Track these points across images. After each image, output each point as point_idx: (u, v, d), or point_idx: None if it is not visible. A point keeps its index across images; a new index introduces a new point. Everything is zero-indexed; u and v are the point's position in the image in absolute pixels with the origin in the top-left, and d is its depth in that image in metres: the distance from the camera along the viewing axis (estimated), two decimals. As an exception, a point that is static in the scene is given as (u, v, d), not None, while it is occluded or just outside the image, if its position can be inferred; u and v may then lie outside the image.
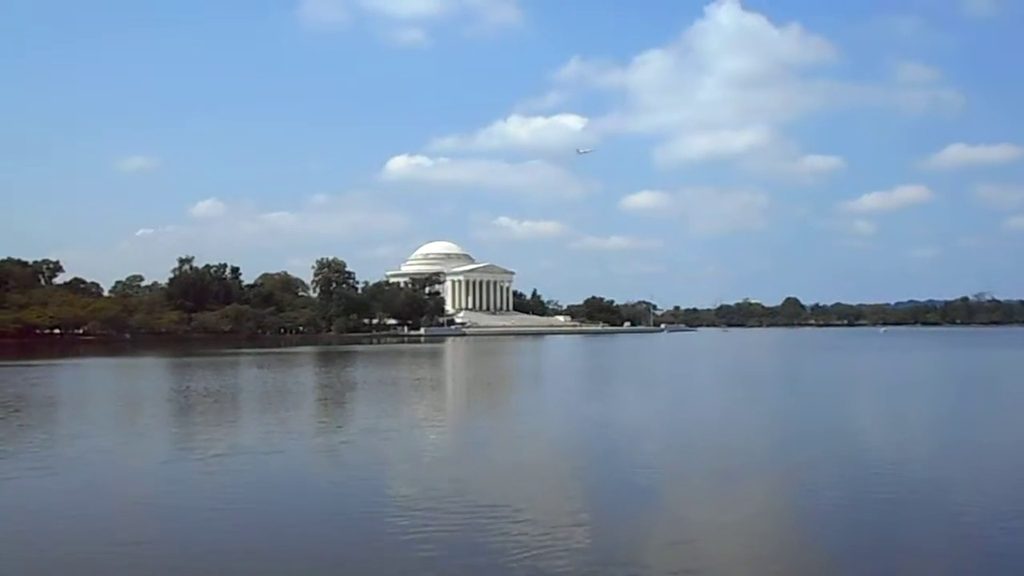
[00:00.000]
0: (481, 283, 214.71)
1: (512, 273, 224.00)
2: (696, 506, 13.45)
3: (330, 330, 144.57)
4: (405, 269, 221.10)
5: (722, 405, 29.69)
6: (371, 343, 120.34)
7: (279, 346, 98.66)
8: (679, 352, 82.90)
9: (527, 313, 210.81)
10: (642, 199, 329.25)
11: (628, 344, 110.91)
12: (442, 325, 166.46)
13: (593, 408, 28.48)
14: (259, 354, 75.71)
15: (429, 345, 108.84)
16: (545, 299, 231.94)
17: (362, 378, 43.26)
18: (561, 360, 66.67)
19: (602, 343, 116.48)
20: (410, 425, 23.85)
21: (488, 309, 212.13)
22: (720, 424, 23.75)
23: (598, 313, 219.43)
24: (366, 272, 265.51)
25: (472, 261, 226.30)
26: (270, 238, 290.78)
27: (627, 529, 12.18)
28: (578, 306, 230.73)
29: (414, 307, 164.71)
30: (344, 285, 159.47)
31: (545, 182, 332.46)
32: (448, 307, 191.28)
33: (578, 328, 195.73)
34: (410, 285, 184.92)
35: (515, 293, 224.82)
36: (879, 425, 24.02)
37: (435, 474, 16.02)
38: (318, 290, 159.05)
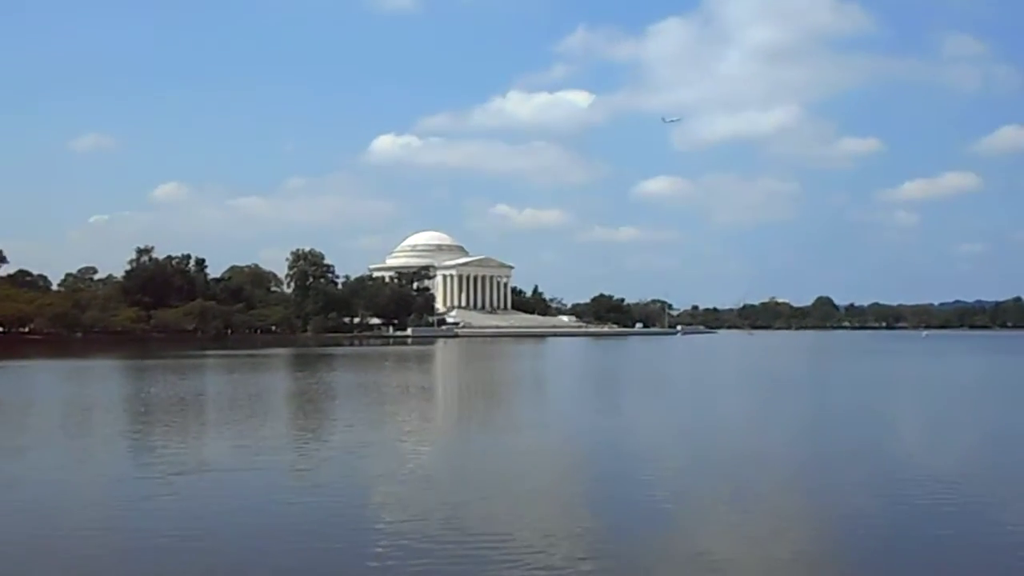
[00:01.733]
0: (476, 278, 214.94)
1: (510, 267, 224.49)
2: (720, 538, 13.35)
3: (306, 330, 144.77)
4: (391, 262, 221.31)
5: (748, 418, 29.65)
6: (352, 344, 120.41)
7: (249, 347, 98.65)
8: (697, 357, 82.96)
9: (527, 312, 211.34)
10: (657, 185, 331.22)
11: (640, 348, 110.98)
12: (432, 325, 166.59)
13: (602, 420, 28.42)
14: (227, 356, 75.74)
15: (417, 347, 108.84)
16: (547, 297, 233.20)
17: (342, 384, 43.22)
18: (565, 366, 66.68)
19: (611, 347, 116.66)
20: (396, 439, 23.77)
21: (483, 307, 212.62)
22: (746, 439, 23.68)
23: (606, 313, 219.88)
24: (347, 265, 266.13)
25: (466, 254, 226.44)
26: (240, 226, 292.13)
27: (643, 563, 12.02)
28: (584, 305, 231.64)
29: (400, 305, 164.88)
30: (322, 279, 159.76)
31: (548, 166, 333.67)
32: (438, 305, 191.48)
33: (584, 330, 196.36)
34: (396, 280, 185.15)
35: (514, 290, 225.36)
36: (927, 444, 23.95)
37: (424, 498, 15.89)
38: (293, 285, 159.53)
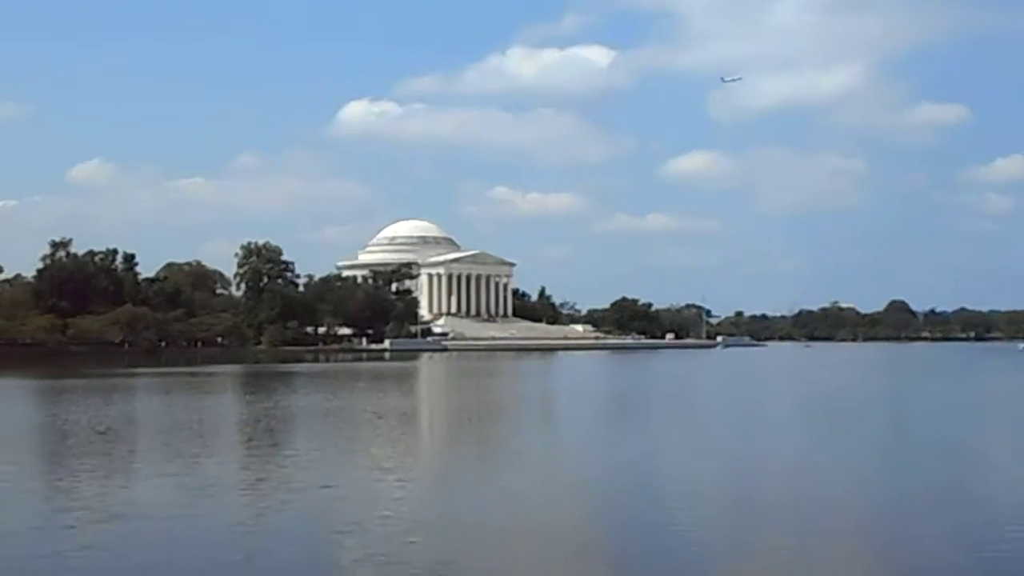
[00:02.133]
0: (469, 278, 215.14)
1: (512, 265, 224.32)
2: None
3: (259, 342, 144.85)
4: (364, 258, 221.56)
5: (806, 453, 29.56)
6: (316, 360, 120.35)
7: (190, 364, 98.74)
8: (742, 376, 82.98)
9: (532, 321, 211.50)
10: (692, 163, 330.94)
11: (672, 364, 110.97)
12: (414, 336, 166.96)
13: (624, 455, 28.34)
14: (162, 375, 75.81)
15: (396, 363, 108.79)
16: (557, 301, 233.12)
17: (305, 409, 43.24)
18: (579, 387, 66.68)
19: (636, 363, 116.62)
20: (370, 477, 23.73)
21: (478, 314, 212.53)
22: (804, 481, 23.58)
23: (630, 321, 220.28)
24: (310, 262, 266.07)
25: (456, 248, 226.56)
26: (178, 214, 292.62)
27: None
28: (603, 312, 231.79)
29: (376, 311, 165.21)
30: (279, 280, 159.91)
31: (558, 139, 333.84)
32: (423, 311, 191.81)
33: (603, 342, 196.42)
34: (371, 281, 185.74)
35: (515, 293, 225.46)
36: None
37: (405, 554, 15.82)
38: (243, 287, 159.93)
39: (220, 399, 51.25)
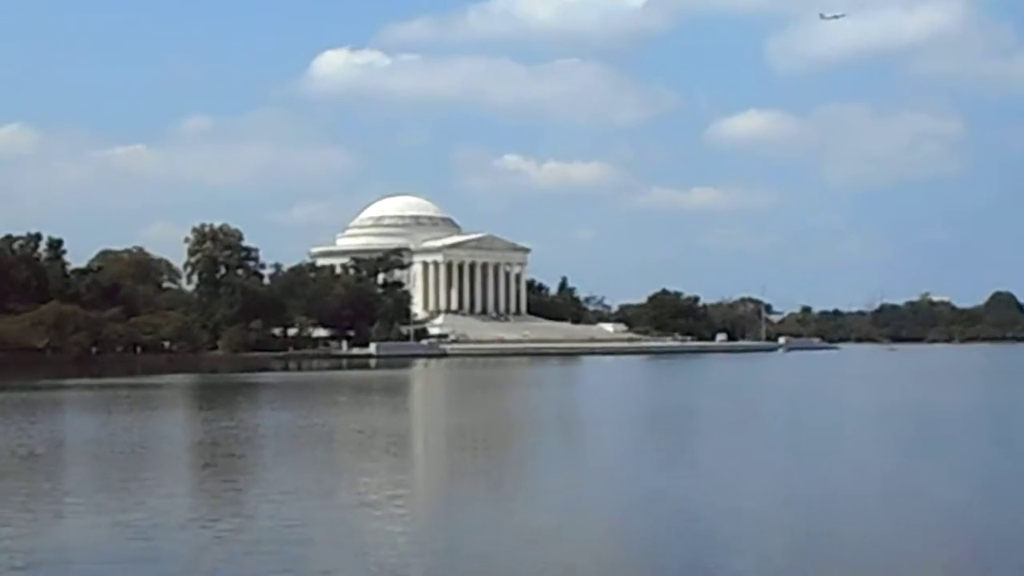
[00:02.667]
0: (473, 267, 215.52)
1: (525, 251, 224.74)
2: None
3: (216, 347, 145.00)
4: (344, 244, 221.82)
5: (892, 483, 29.53)
6: (286, 368, 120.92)
7: (131, 374, 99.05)
8: (809, 386, 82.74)
9: (551, 319, 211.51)
10: (747, 124, 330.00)
11: (723, 371, 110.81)
12: (406, 339, 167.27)
13: (666, 485, 28.40)
14: (97, 388, 75.92)
15: (384, 372, 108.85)
16: (582, 295, 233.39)
17: (272, 429, 43.39)
18: (609, 400, 66.68)
19: (679, 369, 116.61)
20: (353, 513, 23.81)
21: (484, 312, 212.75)
22: (892, 517, 23.57)
23: (672, 319, 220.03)
24: (278, 248, 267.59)
25: (457, 230, 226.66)
26: (115, 191, 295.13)
27: None
28: (638, 307, 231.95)
29: (359, 308, 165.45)
30: (240, 271, 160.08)
31: (583, 95, 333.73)
32: (416, 308, 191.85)
33: (638, 344, 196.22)
34: (352, 271, 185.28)
35: (531, 284, 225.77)
36: None
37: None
38: (196, 279, 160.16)
39: (169, 417, 51.42)
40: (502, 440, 41.33)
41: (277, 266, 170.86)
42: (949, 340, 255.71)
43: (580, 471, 32.19)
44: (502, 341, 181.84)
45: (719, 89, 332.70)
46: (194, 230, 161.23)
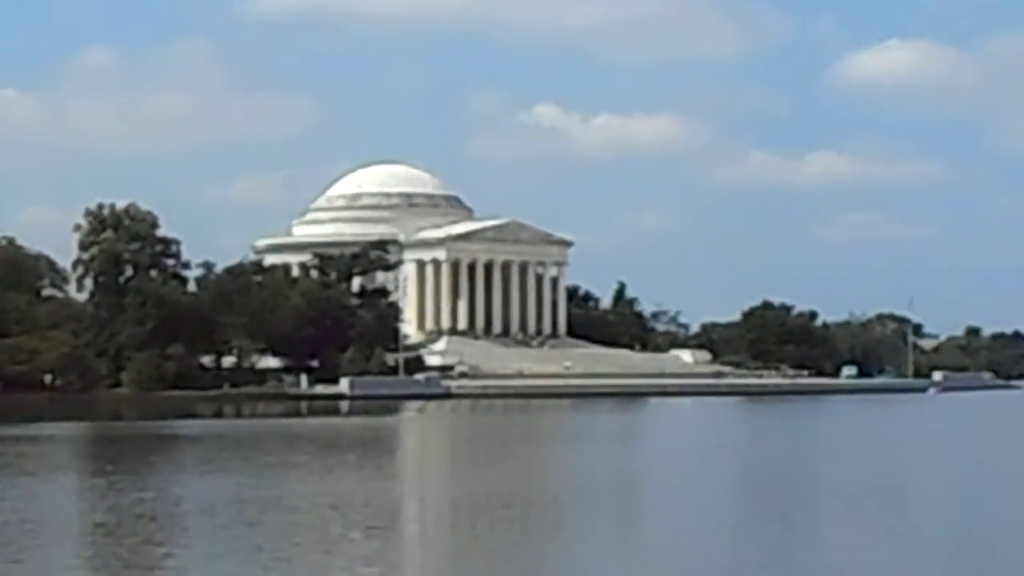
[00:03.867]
0: (490, 268, 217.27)
1: (566, 244, 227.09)
2: None
3: (119, 382, 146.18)
4: (304, 233, 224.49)
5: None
6: (220, 413, 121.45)
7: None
8: (984, 456, 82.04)
9: (602, 343, 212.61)
10: (888, 61, 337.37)
11: (854, 425, 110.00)
12: (394, 371, 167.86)
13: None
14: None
15: (361, 420, 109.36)
16: (646, 309, 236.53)
17: (203, 503, 43.14)
18: (686, 465, 66.32)
19: (789, 420, 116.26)
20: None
21: (506, 333, 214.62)
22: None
23: (778, 345, 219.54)
24: (208, 240, 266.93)
25: (468, 214, 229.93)
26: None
27: None
28: (730, 328, 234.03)
29: (326, 328, 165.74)
30: (153, 272, 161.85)
31: (648, 19, 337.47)
32: (409, 328, 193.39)
33: (728, 382, 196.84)
34: (316, 273, 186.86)
35: (574, 294, 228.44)
36: None
37: None
38: (91, 285, 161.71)
39: (51, 486, 51.24)
40: (531, 529, 40.95)
41: (207, 266, 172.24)
42: None
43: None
44: (532, 376, 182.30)
45: (848, 11, 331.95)
46: (87, 213, 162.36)
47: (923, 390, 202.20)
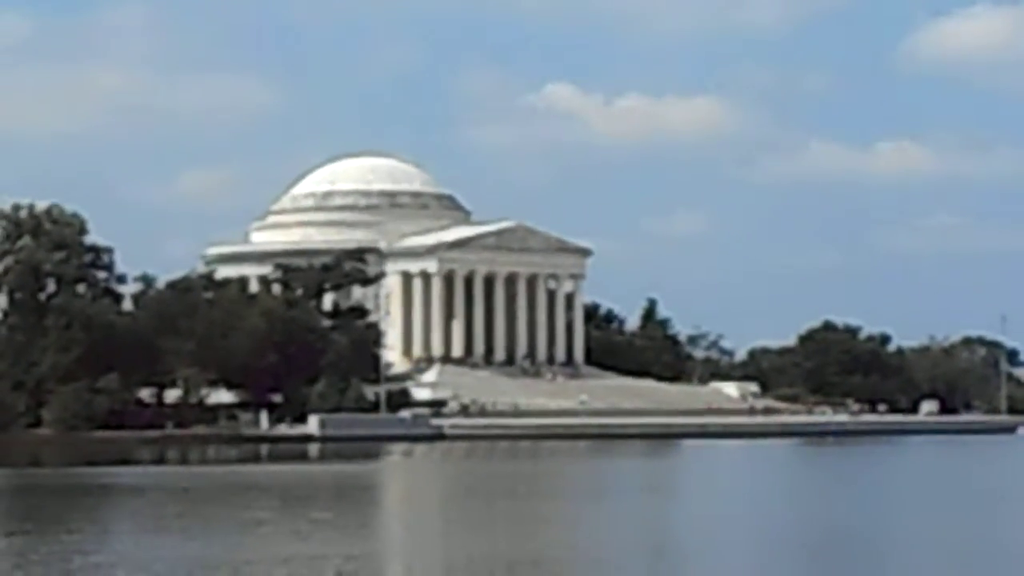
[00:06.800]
0: (491, 282, 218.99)
1: (584, 253, 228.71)
2: None
3: (38, 420, 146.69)
4: (264, 240, 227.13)
5: None
6: (162, 459, 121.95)
7: None
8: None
9: (629, 373, 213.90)
10: (972, 31, 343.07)
11: (928, 474, 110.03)
12: (374, 407, 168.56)
13: None
14: None
15: (333, 467, 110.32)
16: (682, 332, 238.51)
17: (128, 569, 43.09)
18: (731, 522, 66.51)
19: (852, 465, 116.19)
20: None
21: (510, 361, 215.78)
22: None
23: (841, 376, 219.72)
24: (149, 248, 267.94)
25: (465, 217, 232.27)
26: None
27: None
28: (783, 354, 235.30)
29: (291, 355, 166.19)
30: (82, 287, 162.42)
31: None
32: (393, 354, 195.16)
33: (782, 420, 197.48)
34: (279, 288, 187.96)
35: (593, 313, 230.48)
36: None
37: None
38: (3, 299, 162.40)
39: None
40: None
41: (147, 279, 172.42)
42: None
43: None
44: (543, 413, 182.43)
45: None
46: (1, 216, 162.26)
47: (1011, 429, 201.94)
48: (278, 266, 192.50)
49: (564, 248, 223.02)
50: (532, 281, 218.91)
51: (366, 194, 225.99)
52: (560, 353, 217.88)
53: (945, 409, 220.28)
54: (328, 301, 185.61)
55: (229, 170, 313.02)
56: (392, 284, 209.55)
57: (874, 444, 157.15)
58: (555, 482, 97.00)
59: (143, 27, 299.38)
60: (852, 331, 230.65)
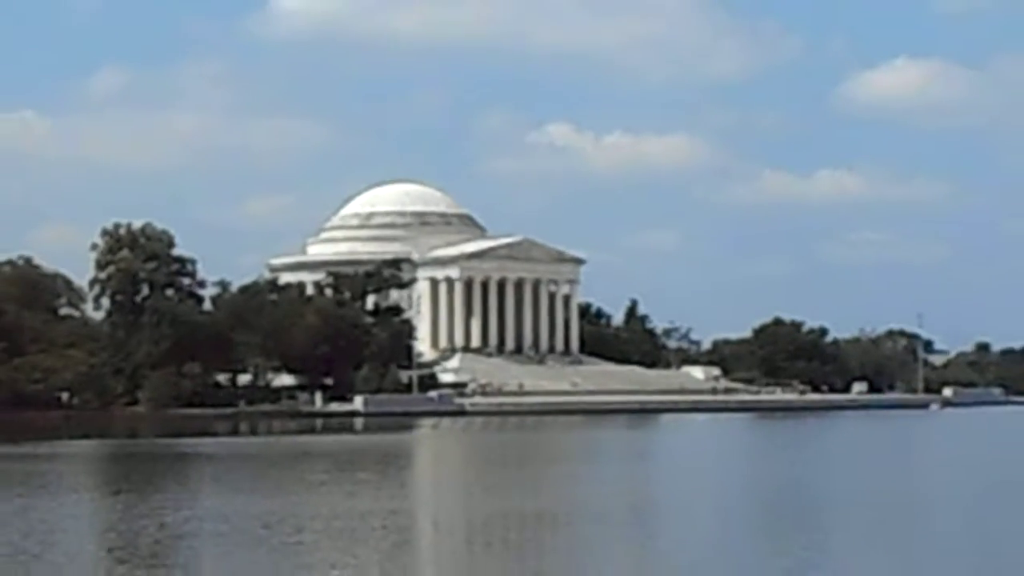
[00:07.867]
0: (503, 286, 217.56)
1: (578, 262, 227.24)
2: None
3: (135, 400, 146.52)
4: (318, 252, 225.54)
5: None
6: (235, 431, 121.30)
7: (12, 440, 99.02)
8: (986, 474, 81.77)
9: (615, 360, 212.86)
10: (897, 80, 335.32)
11: (862, 440, 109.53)
12: (408, 389, 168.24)
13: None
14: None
15: (375, 438, 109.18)
16: (659, 326, 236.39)
17: (222, 522, 43.07)
18: (697, 483, 66.16)
19: (800, 436, 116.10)
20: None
21: (519, 350, 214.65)
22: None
23: (788, 362, 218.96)
24: (224, 259, 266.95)
25: (482, 233, 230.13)
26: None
27: None
28: (741, 344, 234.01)
29: (340, 346, 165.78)
30: (169, 291, 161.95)
31: (662, 38, 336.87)
32: (423, 346, 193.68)
33: (740, 398, 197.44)
34: (330, 292, 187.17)
35: (586, 312, 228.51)
36: None
37: None
38: (108, 304, 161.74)
39: (65, 505, 51.13)
40: (546, 549, 40.90)
41: (223, 285, 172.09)
42: None
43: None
44: (545, 393, 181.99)
45: (857, 29, 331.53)
46: (104, 233, 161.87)
47: (924, 406, 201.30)
48: (329, 273, 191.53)
49: (562, 258, 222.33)
50: (536, 285, 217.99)
51: (401, 214, 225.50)
52: (559, 344, 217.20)
53: (872, 389, 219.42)
54: (370, 302, 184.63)
55: (289, 196, 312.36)
56: (422, 288, 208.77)
57: (816, 418, 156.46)
58: (555, 449, 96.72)
59: (218, 78, 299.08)
60: (797, 325, 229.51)
